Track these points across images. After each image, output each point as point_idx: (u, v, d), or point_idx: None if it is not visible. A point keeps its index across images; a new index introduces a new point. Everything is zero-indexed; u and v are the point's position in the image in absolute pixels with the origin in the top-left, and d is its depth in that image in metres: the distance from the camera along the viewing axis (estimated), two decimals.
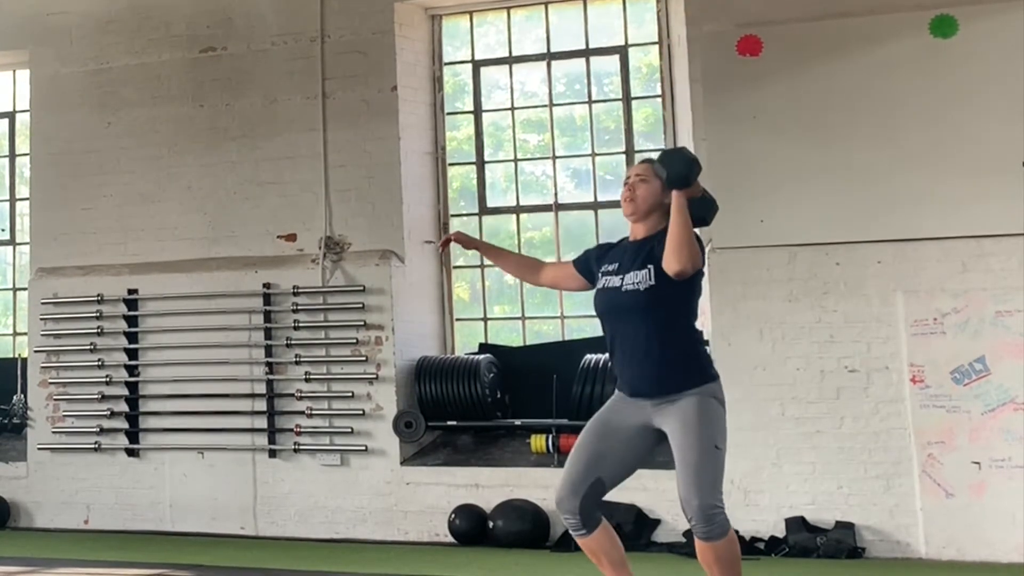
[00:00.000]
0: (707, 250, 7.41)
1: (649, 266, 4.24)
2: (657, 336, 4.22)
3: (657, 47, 8.53)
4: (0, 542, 7.98)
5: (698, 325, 4.41)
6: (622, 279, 4.32)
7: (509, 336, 8.85)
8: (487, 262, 8.79)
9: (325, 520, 8.23)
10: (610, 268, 4.40)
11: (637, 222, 4.40)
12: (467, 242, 4.89)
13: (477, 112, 8.96)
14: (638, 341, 4.24)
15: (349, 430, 8.20)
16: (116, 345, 8.82)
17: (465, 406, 8.14)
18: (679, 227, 4.13)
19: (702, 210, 4.32)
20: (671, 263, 4.12)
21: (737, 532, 4.40)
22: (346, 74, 8.58)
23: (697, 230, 4.26)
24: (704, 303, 7.26)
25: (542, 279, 4.84)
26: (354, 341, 8.27)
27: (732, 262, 7.46)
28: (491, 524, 7.65)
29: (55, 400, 8.92)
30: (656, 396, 4.21)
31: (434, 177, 8.82)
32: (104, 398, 8.76)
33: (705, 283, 7.31)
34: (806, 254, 7.37)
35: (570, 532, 4.39)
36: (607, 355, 4.50)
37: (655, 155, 4.51)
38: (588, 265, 4.56)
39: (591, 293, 4.54)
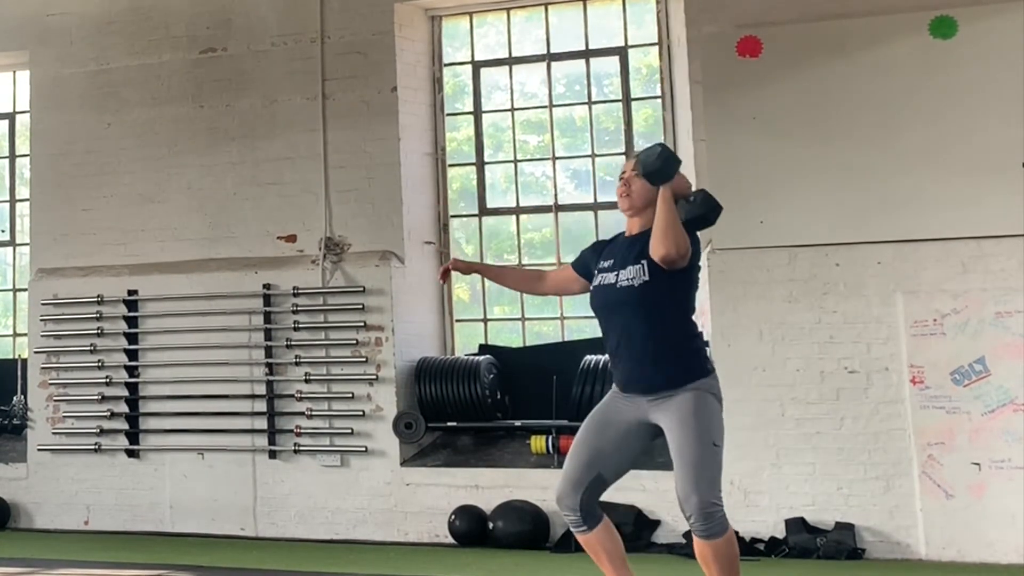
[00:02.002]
0: (707, 251, 7.45)
1: (643, 261, 4.25)
2: (652, 331, 4.22)
3: (657, 48, 8.53)
4: (0, 543, 7.97)
5: (696, 320, 4.41)
6: (617, 275, 4.33)
7: (509, 337, 8.85)
8: (487, 262, 8.80)
9: (325, 521, 8.23)
10: (605, 264, 4.42)
11: (633, 217, 4.43)
12: (466, 268, 4.91)
13: (477, 113, 8.96)
14: (634, 337, 4.25)
15: (349, 431, 8.20)
16: (116, 346, 8.82)
17: (465, 407, 8.14)
18: (662, 213, 4.15)
19: (699, 209, 4.32)
20: (656, 248, 4.14)
21: (737, 533, 4.41)
22: (346, 75, 8.58)
23: (699, 235, 4.28)
24: (704, 303, 7.28)
25: (545, 288, 4.88)
26: (354, 342, 8.27)
27: (732, 263, 7.46)
28: (491, 525, 7.65)
29: (55, 401, 8.92)
30: (652, 392, 4.21)
31: (434, 178, 8.82)
32: (104, 399, 8.76)
33: (705, 283, 7.37)
34: (806, 255, 7.37)
35: (571, 529, 4.40)
36: (607, 356, 4.50)
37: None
38: (586, 265, 4.57)
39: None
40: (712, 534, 4.09)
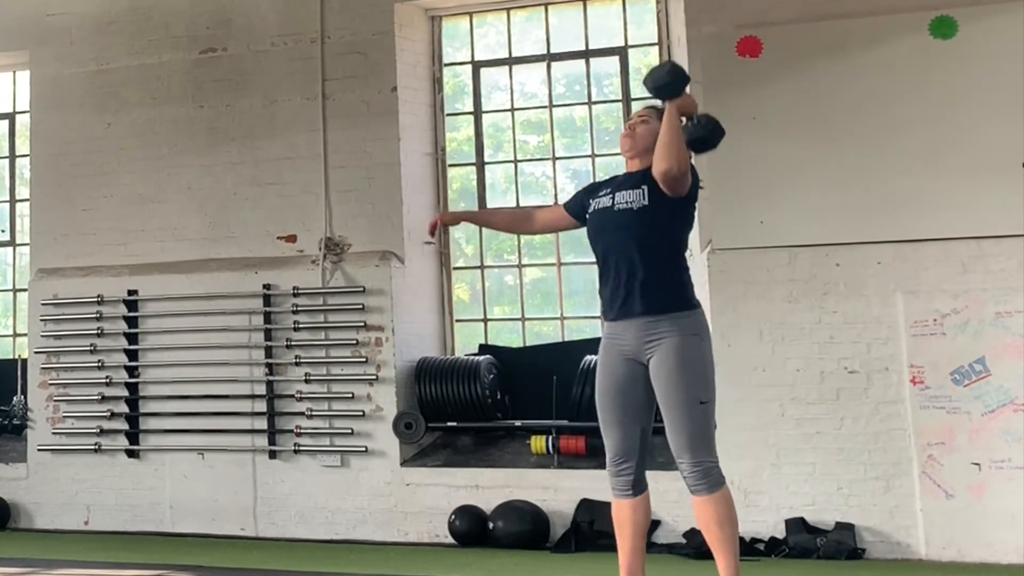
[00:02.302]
0: (707, 251, 7.45)
1: (643, 187, 4.33)
2: (645, 254, 4.30)
3: (657, 48, 8.53)
4: (0, 543, 7.97)
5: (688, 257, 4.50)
6: (613, 198, 4.42)
7: (509, 337, 8.85)
8: (487, 262, 8.83)
9: (325, 521, 8.23)
10: (602, 194, 4.51)
11: (633, 158, 4.51)
12: (453, 219, 5.02)
13: (477, 113, 8.96)
14: (627, 258, 4.32)
15: (349, 431, 8.20)
16: (116, 346, 8.82)
17: (465, 407, 8.14)
18: (667, 129, 4.20)
19: (702, 130, 4.36)
20: (658, 162, 4.20)
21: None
22: (346, 75, 8.58)
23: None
24: (704, 303, 7.26)
25: (534, 226, 4.98)
26: (354, 342, 8.27)
27: (732, 263, 7.46)
28: (491, 525, 7.65)
29: (55, 401, 8.92)
30: (641, 315, 4.26)
31: (434, 178, 8.82)
32: (104, 399, 8.76)
33: (705, 283, 7.38)
34: (806, 254, 7.37)
35: (616, 494, 4.43)
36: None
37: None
38: (579, 204, 4.65)
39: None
40: (709, 488, 4.15)
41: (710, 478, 4.14)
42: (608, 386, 4.42)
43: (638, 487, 4.39)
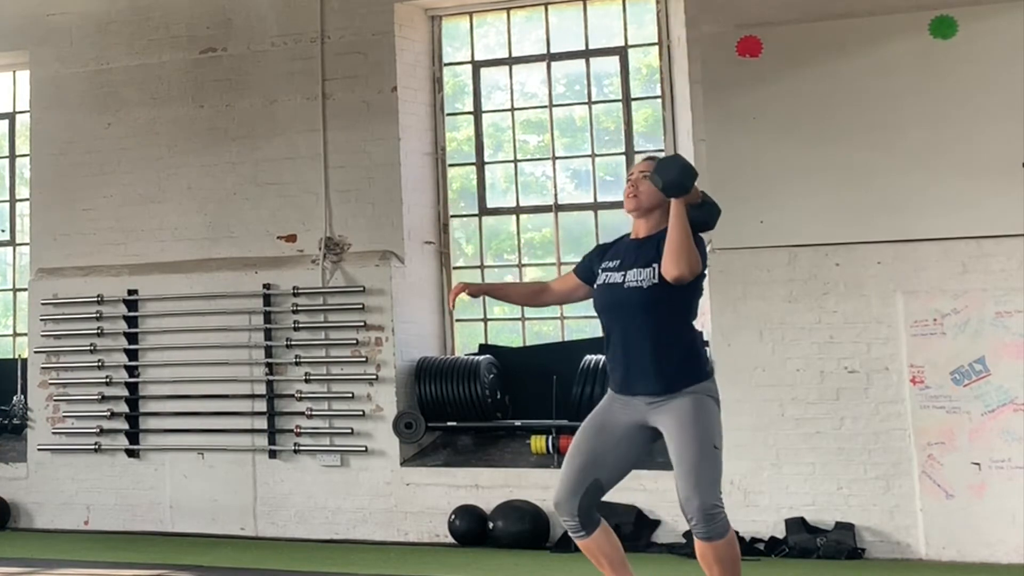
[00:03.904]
0: (708, 249, 7.45)
1: (654, 264, 4.24)
2: (657, 334, 4.23)
3: (657, 48, 8.53)
4: (0, 543, 7.98)
5: (697, 324, 4.41)
6: (624, 275, 4.32)
7: (509, 337, 8.85)
8: (487, 262, 8.84)
9: (325, 521, 8.24)
10: (611, 265, 4.41)
11: (639, 218, 4.42)
12: (476, 291, 4.90)
13: (477, 113, 8.96)
14: (637, 338, 4.25)
15: (349, 431, 8.20)
16: (116, 346, 8.82)
17: (465, 407, 8.14)
18: (677, 233, 4.13)
19: (704, 215, 4.33)
20: (669, 269, 4.14)
21: (737, 533, 4.40)
22: (346, 75, 8.58)
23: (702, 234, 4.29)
24: (704, 303, 7.25)
25: (550, 299, 4.85)
26: (354, 342, 8.27)
27: (732, 263, 7.46)
28: (491, 525, 7.65)
29: (55, 401, 8.92)
30: (652, 394, 4.21)
31: (434, 178, 8.82)
32: (104, 399, 8.76)
33: (705, 283, 7.35)
34: (806, 254, 7.37)
35: (569, 534, 4.41)
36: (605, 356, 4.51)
37: (660, 154, 4.51)
38: (589, 268, 4.56)
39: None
40: (714, 535, 4.09)
41: (717, 524, 4.08)
42: (594, 422, 4.36)
43: (587, 527, 4.29)
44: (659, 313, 4.23)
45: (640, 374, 4.24)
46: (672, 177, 4.16)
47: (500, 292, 5.16)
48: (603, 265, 4.45)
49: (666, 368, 4.20)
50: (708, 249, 7.39)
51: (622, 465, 4.34)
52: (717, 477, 4.13)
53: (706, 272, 4.40)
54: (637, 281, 4.27)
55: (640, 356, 4.24)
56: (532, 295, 4.99)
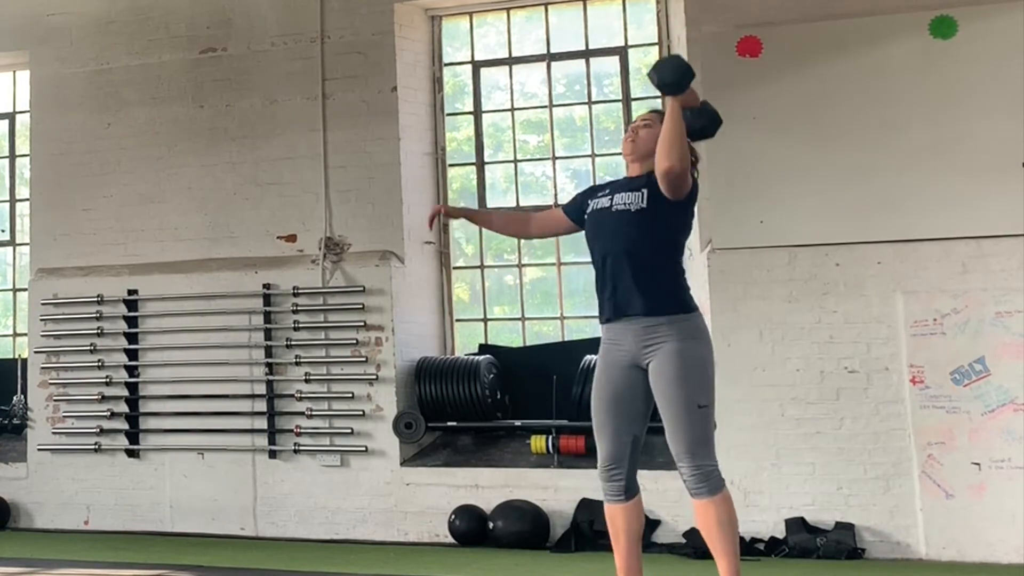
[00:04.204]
0: (707, 250, 7.45)
1: (643, 189, 4.33)
2: (642, 257, 4.30)
3: (657, 48, 8.53)
4: (0, 543, 7.98)
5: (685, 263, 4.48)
6: (611, 199, 4.42)
7: (509, 337, 8.85)
8: (487, 262, 8.83)
9: (325, 521, 8.24)
10: (601, 195, 4.52)
11: (634, 162, 4.51)
12: (453, 212, 5.02)
13: (477, 113, 8.96)
14: (623, 260, 4.32)
15: (349, 431, 8.20)
16: (116, 346, 8.82)
17: (465, 407, 8.14)
18: (670, 126, 4.18)
19: (703, 120, 4.35)
20: (660, 161, 4.19)
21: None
22: (346, 75, 8.58)
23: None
24: (704, 303, 7.28)
25: (531, 230, 4.95)
26: (354, 342, 8.27)
27: (732, 263, 7.46)
28: (491, 525, 7.65)
29: (55, 401, 8.92)
30: (638, 315, 4.26)
31: (434, 178, 8.82)
32: (104, 399, 8.76)
33: (705, 283, 7.38)
34: (806, 254, 7.37)
35: (608, 499, 4.43)
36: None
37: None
38: (578, 208, 4.64)
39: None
40: (707, 492, 4.16)
41: (710, 481, 4.15)
42: (605, 392, 4.42)
43: (629, 492, 4.38)
44: (646, 237, 4.30)
45: (625, 292, 4.30)
46: (667, 75, 4.21)
47: (482, 218, 5.20)
48: (594, 198, 4.55)
49: (651, 287, 4.27)
50: (708, 249, 7.48)
51: (644, 415, 4.40)
52: (708, 435, 4.20)
53: (694, 209, 4.45)
54: (625, 204, 4.36)
55: (625, 276, 4.30)
56: (514, 225, 5.07)
